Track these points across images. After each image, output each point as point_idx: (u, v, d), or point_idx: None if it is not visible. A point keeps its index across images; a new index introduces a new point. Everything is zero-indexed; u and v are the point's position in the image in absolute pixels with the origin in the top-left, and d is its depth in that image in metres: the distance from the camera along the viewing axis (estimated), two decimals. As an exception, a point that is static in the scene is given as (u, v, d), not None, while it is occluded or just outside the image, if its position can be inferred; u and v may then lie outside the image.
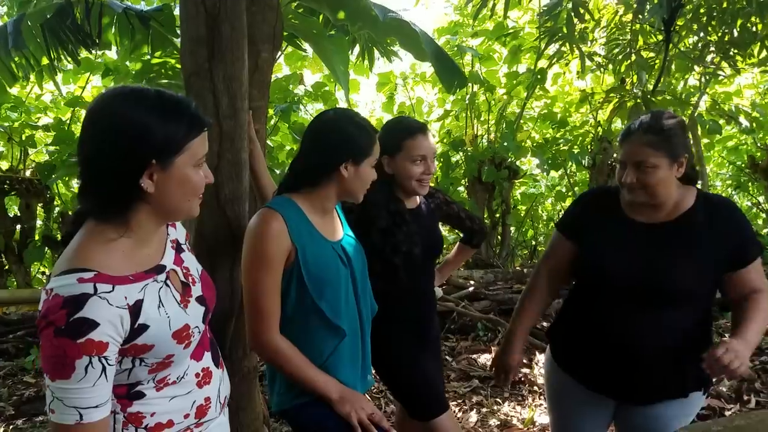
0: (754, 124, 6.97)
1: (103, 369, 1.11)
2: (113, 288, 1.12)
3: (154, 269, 1.23)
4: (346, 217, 1.97)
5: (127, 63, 4.43)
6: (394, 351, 2.12)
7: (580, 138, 6.91)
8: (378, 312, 2.00)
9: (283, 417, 1.92)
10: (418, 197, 2.28)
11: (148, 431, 1.24)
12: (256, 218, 1.68)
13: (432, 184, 2.30)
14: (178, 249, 1.35)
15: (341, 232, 1.86)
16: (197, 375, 1.32)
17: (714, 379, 1.86)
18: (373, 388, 3.80)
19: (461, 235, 2.68)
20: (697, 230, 1.80)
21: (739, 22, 4.21)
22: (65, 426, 1.10)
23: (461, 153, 6.82)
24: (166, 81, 3.88)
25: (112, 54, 4.80)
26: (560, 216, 2.12)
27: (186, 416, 1.29)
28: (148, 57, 3.97)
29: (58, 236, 5.77)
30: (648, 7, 3.71)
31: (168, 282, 1.25)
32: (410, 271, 2.13)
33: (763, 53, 4.65)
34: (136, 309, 1.14)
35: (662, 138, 1.74)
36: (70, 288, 1.08)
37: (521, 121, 6.98)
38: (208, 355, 1.37)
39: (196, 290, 1.33)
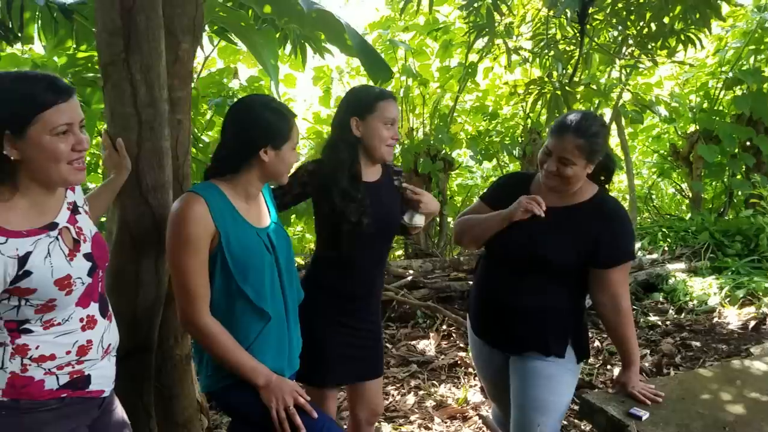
0: (674, 114, 7.32)
1: None
2: (7, 240, 1.35)
3: (47, 226, 1.45)
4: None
5: (55, 58, 4.31)
6: (306, 313, 2.05)
7: (511, 130, 7.13)
8: (311, 277, 2.08)
9: (210, 398, 1.96)
10: (380, 171, 2.23)
11: (33, 361, 1.43)
12: (179, 202, 1.69)
13: None
14: (74, 210, 1.55)
15: (268, 219, 1.88)
16: (81, 320, 1.51)
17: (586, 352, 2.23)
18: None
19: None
20: (579, 220, 2.07)
21: (648, 14, 4.44)
22: None
23: (398, 145, 6.92)
24: (92, 75, 3.80)
25: (38, 48, 4.67)
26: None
27: (68, 353, 1.48)
28: (74, 51, 3.88)
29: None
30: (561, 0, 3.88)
31: (59, 237, 1.47)
32: (355, 242, 2.10)
33: (680, 46, 4.91)
34: (23, 259, 1.37)
35: (587, 142, 1.98)
36: None
37: (455, 114, 7.13)
38: (95, 306, 1.56)
39: (86, 248, 1.53)
